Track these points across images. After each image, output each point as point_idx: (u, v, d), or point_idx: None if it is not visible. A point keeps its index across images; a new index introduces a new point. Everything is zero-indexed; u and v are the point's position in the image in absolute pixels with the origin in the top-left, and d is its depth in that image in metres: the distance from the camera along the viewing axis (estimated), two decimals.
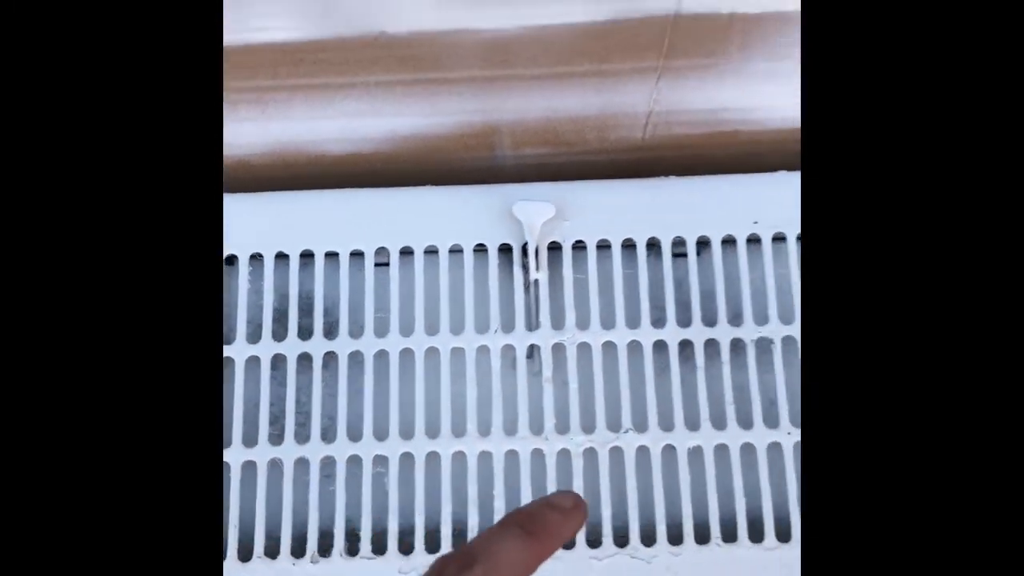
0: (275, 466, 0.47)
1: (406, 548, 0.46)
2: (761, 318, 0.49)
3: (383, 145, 0.53)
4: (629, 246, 0.51)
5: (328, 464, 0.47)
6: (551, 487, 0.47)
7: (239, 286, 0.50)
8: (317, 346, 0.49)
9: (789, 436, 0.47)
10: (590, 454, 0.47)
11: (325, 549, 0.46)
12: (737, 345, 0.49)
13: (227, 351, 0.49)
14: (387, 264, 0.50)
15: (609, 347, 0.49)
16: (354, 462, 0.47)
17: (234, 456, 0.47)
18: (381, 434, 0.48)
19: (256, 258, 0.50)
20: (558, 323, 0.49)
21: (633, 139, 0.53)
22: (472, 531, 0.46)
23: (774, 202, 0.50)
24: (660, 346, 0.49)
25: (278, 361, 0.49)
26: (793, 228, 0.50)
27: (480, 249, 0.51)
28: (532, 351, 0.49)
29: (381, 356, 0.49)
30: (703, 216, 0.50)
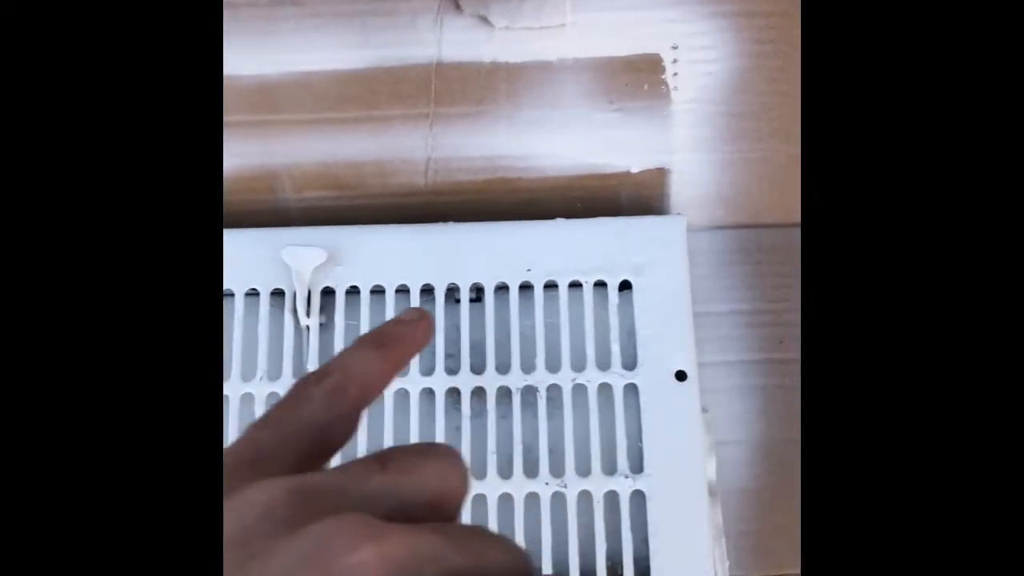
0: None
1: None
2: (528, 367, 0.49)
3: None
4: (403, 291, 0.50)
5: None
6: None
7: None
8: None
9: (547, 486, 0.47)
10: None
11: None
12: (504, 393, 0.49)
13: None
14: None
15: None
16: None
17: None
18: None
19: None
20: None
21: (415, 184, 0.53)
22: None
23: (548, 249, 0.50)
24: (428, 394, 0.49)
25: None
26: (565, 276, 0.50)
27: (252, 293, 0.50)
28: None
29: None
30: (477, 263, 0.50)
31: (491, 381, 0.49)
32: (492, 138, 0.51)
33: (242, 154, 0.51)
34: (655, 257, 0.51)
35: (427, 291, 0.51)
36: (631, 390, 0.48)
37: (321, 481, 0.21)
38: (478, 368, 0.49)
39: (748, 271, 0.53)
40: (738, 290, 0.53)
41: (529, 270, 0.50)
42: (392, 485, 0.22)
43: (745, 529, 0.50)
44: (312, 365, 0.49)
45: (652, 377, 0.49)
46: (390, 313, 0.50)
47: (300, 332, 0.49)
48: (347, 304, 0.50)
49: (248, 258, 0.50)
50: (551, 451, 0.48)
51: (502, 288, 0.51)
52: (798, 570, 0.49)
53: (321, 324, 0.50)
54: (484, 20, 0.46)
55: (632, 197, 0.54)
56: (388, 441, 0.47)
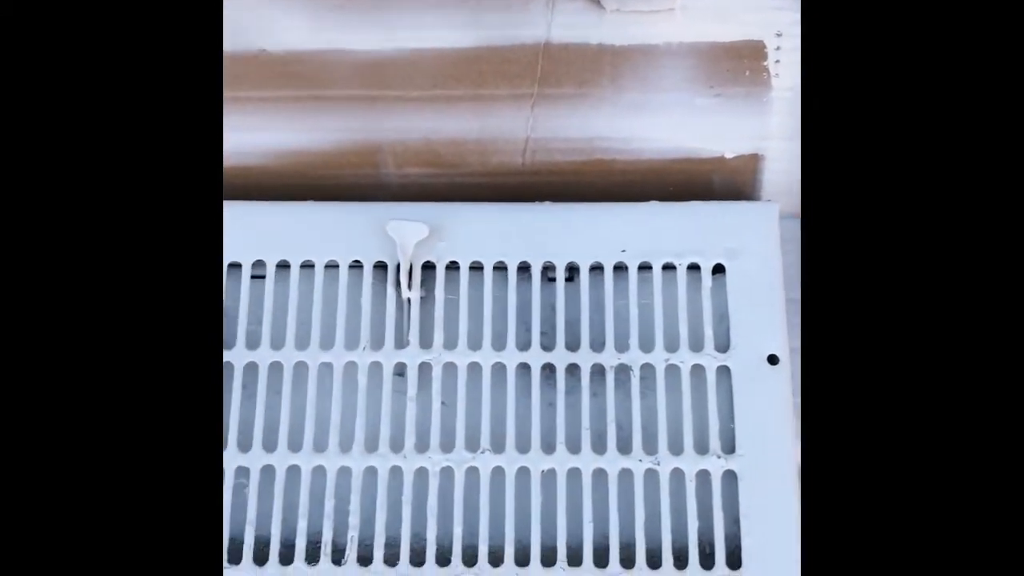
0: None
1: (260, 558, 0.47)
2: (622, 345, 0.50)
3: (268, 159, 0.54)
4: (501, 268, 0.52)
5: None
6: (407, 505, 0.48)
7: None
8: None
9: (640, 463, 0.48)
10: (447, 473, 0.48)
11: None
12: (597, 371, 0.50)
13: None
14: (263, 277, 0.51)
15: (474, 368, 0.50)
16: None
17: None
18: (245, 446, 0.49)
19: None
20: (426, 342, 0.50)
21: (513, 164, 0.54)
22: (325, 546, 0.47)
23: (643, 232, 0.51)
24: (523, 368, 0.50)
25: None
26: (659, 258, 0.51)
27: (356, 265, 0.52)
28: (400, 369, 0.50)
29: (251, 368, 0.50)
30: (574, 242, 0.51)
31: (585, 359, 0.50)
32: (592, 120, 0.52)
33: (349, 128, 0.52)
34: (747, 242, 0.51)
35: (523, 269, 0.52)
36: (723, 372, 0.49)
37: None
38: (572, 345, 0.50)
39: None
40: None
41: (624, 251, 0.51)
42: None
43: None
44: (413, 337, 0.50)
45: (744, 360, 0.49)
46: (488, 289, 0.51)
47: (401, 304, 0.51)
48: (447, 279, 0.51)
49: (352, 231, 0.52)
50: (644, 429, 0.49)
51: (596, 268, 0.52)
52: None
53: (421, 297, 0.51)
54: (595, 3, 0.47)
55: (724, 182, 0.54)
56: (486, 413, 0.49)
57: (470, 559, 0.47)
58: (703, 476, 0.48)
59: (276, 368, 0.50)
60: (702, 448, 0.48)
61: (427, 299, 0.51)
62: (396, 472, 0.48)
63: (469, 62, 0.49)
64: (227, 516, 0.47)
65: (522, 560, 0.47)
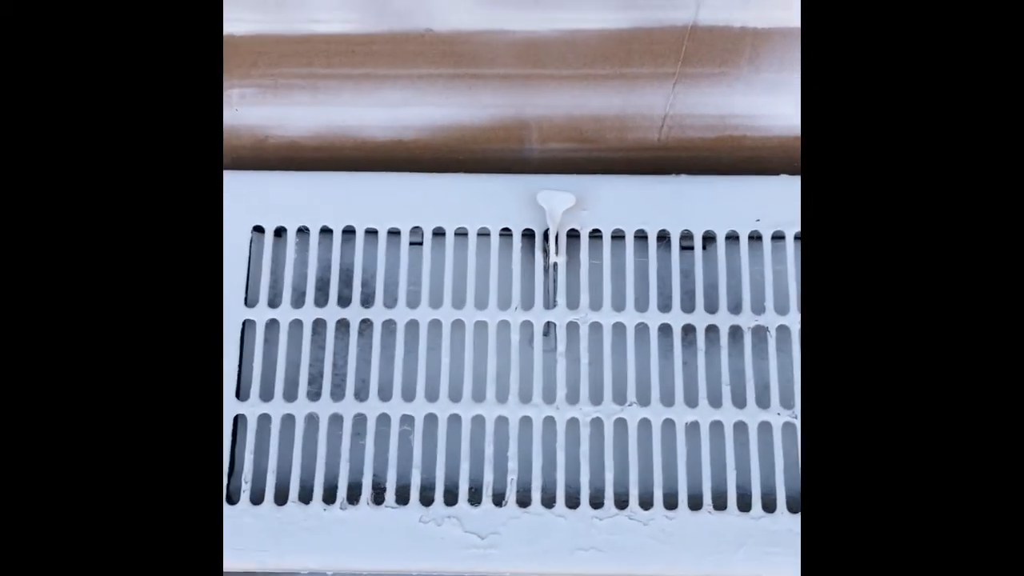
0: (312, 420, 0.52)
1: (427, 500, 0.51)
2: (759, 308, 0.54)
3: (422, 133, 0.58)
4: (641, 237, 0.55)
5: (359, 421, 0.52)
6: (560, 452, 0.51)
7: (286, 256, 0.55)
8: (354, 314, 0.54)
9: (779, 416, 0.52)
10: (596, 424, 0.52)
11: (353, 497, 0.51)
12: (735, 332, 0.53)
13: (272, 314, 0.54)
14: (421, 243, 0.55)
15: (619, 327, 0.54)
16: (383, 420, 0.52)
17: (275, 410, 0.52)
18: (408, 396, 0.52)
19: (303, 231, 0.55)
20: (573, 304, 0.54)
21: (649, 140, 0.58)
22: (486, 488, 0.51)
23: (775, 203, 0.55)
24: (665, 329, 0.54)
25: (319, 326, 0.54)
26: (791, 227, 0.54)
27: (505, 233, 0.55)
28: (548, 328, 0.54)
29: (412, 326, 0.54)
30: (710, 213, 0.55)
31: (724, 320, 0.53)
32: (727, 98, 0.55)
33: (500, 105, 0.56)
34: None
35: (662, 237, 0.55)
36: None
37: None
38: (711, 308, 0.54)
39: None
40: None
41: (758, 220, 0.55)
42: None
43: None
44: (561, 298, 0.54)
45: None
46: (630, 255, 0.55)
47: (548, 268, 0.55)
48: (591, 246, 0.55)
49: (502, 201, 0.55)
50: (780, 385, 0.52)
51: (732, 237, 0.55)
52: None
53: (566, 262, 0.55)
54: None
55: None
56: (631, 369, 0.52)
57: (621, 502, 0.51)
58: None
59: (435, 326, 0.54)
60: None
61: (572, 264, 0.55)
62: (549, 422, 0.52)
63: (620, 42, 0.52)
64: (393, 460, 0.51)
65: (671, 503, 0.50)
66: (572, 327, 0.54)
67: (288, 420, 0.52)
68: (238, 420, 0.52)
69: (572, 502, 0.51)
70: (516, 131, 0.57)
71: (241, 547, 0.50)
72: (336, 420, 0.52)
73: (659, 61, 0.53)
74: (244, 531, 0.50)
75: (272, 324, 0.54)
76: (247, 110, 0.56)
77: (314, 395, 0.53)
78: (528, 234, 0.55)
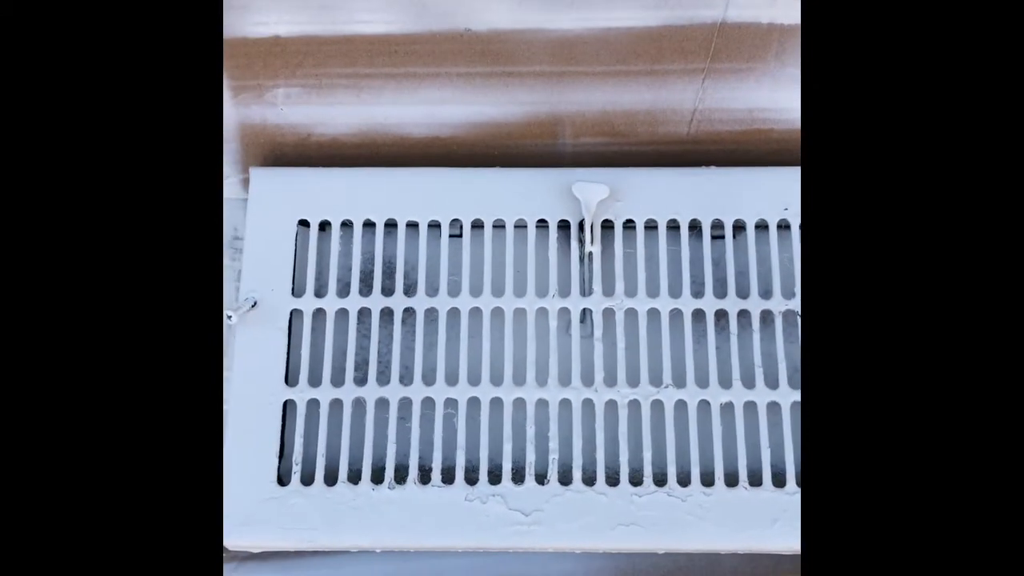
0: (359, 405, 0.54)
1: (471, 480, 0.53)
2: (788, 293, 0.56)
3: (460, 130, 0.60)
4: (673, 227, 0.57)
5: (405, 405, 0.54)
6: (599, 432, 0.53)
7: (331, 249, 0.57)
8: (398, 303, 0.56)
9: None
10: (634, 405, 0.54)
11: (401, 478, 0.53)
12: (766, 316, 0.55)
13: (319, 304, 0.56)
14: (460, 235, 0.57)
15: (653, 313, 0.55)
16: (427, 404, 0.54)
17: (323, 395, 0.54)
18: (452, 380, 0.54)
19: (346, 225, 0.57)
20: (608, 291, 0.56)
21: (679, 133, 0.60)
22: (529, 467, 0.53)
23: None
24: (698, 314, 0.56)
25: (363, 315, 0.56)
26: None
27: (542, 224, 0.57)
28: (585, 314, 0.56)
29: (453, 313, 0.56)
30: (740, 203, 0.57)
31: (755, 305, 0.55)
32: (755, 92, 0.57)
33: (535, 102, 0.58)
34: None
35: (693, 227, 0.57)
36: None
37: None
38: (743, 293, 0.56)
39: None
40: None
41: (786, 209, 0.57)
42: None
43: None
44: (597, 285, 0.56)
45: None
46: (663, 244, 0.56)
47: (583, 257, 0.57)
48: (624, 235, 0.57)
49: (537, 193, 0.58)
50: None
51: (761, 226, 0.57)
52: None
53: (601, 251, 0.57)
54: None
55: None
56: (666, 353, 0.54)
57: (660, 480, 0.52)
58: None
59: (475, 313, 0.56)
60: None
61: (606, 253, 0.57)
62: (588, 404, 0.54)
63: (651, 40, 0.55)
64: (439, 442, 0.53)
65: (708, 480, 0.52)
66: (608, 313, 0.56)
67: (336, 405, 0.54)
68: (287, 405, 0.54)
69: (612, 480, 0.53)
70: (550, 126, 0.59)
71: (292, 527, 0.52)
72: (382, 404, 0.54)
73: (689, 58, 0.56)
74: (295, 511, 0.52)
75: (319, 313, 0.56)
76: (292, 109, 0.58)
77: (360, 380, 0.55)
78: (564, 225, 0.57)
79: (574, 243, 0.57)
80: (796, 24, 0.54)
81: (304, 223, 0.57)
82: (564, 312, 0.56)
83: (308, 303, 0.56)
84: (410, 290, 0.56)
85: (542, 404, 0.54)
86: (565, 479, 0.53)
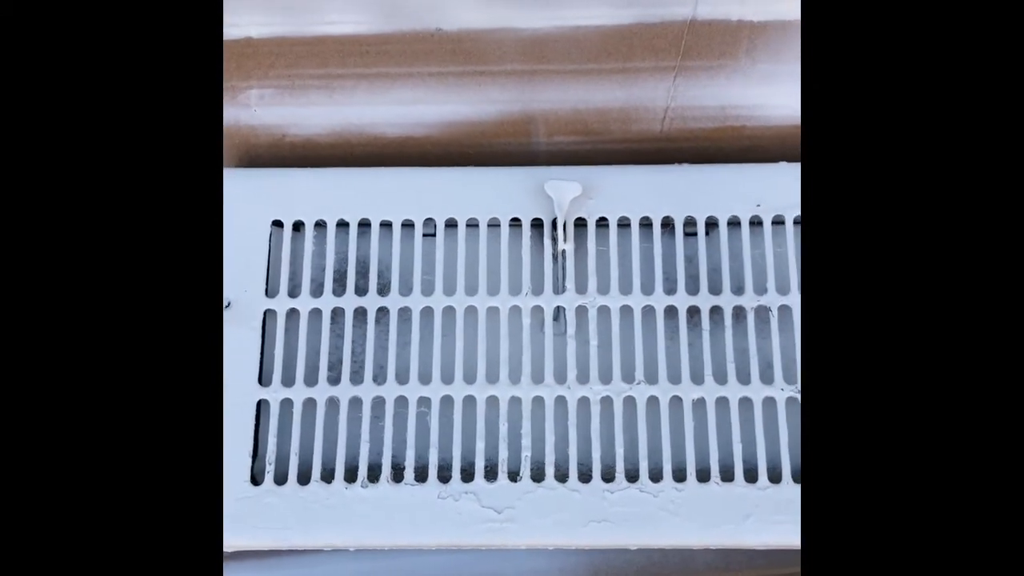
0: (332, 404, 0.54)
1: (444, 477, 0.53)
2: (760, 289, 0.56)
3: (433, 129, 0.60)
4: (646, 224, 0.57)
5: (378, 404, 0.54)
6: (572, 429, 0.53)
7: (305, 249, 0.57)
8: (371, 302, 0.56)
9: (782, 392, 0.54)
10: (606, 402, 0.54)
11: (374, 477, 0.53)
12: (739, 312, 0.55)
13: (292, 304, 0.56)
14: (433, 234, 0.57)
15: (626, 310, 0.56)
16: (401, 403, 0.54)
17: (296, 394, 0.54)
18: (425, 379, 0.54)
19: (320, 225, 0.58)
20: (581, 288, 0.56)
21: (652, 131, 0.60)
22: (502, 464, 0.53)
23: (775, 189, 0.57)
24: (671, 311, 0.56)
25: (337, 315, 0.56)
26: (791, 212, 0.57)
27: (515, 223, 0.58)
28: (558, 312, 0.56)
29: (427, 312, 0.56)
30: (712, 200, 0.57)
31: (728, 301, 0.55)
32: (727, 89, 0.58)
33: (508, 101, 0.58)
34: None
35: (666, 224, 0.57)
36: None
37: None
38: (715, 290, 0.56)
39: None
40: None
41: (759, 206, 0.57)
42: None
43: None
44: (570, 283, 0.56)
45: None
46: (635, 242, 0.57)
47: (556, 256, 0.57)
48: (597, 233, 0.57)
49: (510, 192, 0.58)
50: (783, 363, 0.54)
51: (734, 223, 0.57)
52: None
53: (574, 249, 0.57)
54: None
55: None
56: (639, 350, 0.54)
57: (632, 476, 0.53)
58: None
59: (449, 312, 0.56)
60: None
61: (579, 251, 0.57)
62: (561, 401, 0.54)
63: (622, 38, 0.55)
64: (412, 440, 0.53)
65: (680, 476, 0.52)
66: (581, 311, 0.56)
67: (309, 404, 0.54)
68: (261, 405, 0.54)
69: (584, 477, 0.53)
70: (523, 125, 0.60)
71: (266, 526, 0.52)
72: (356, 403, 0.54)
73: (660, 55, 0.56)
74: (268, 511, 0.52)
75: (292, 313, 0.56)
76: (265, 110, 0.58)
77: (334, 380, 0.55)
78: (537, 223, 0.57)
79: (547, 241, 0.57)
80: (766, 21, 0.54)
81: (278, 224, 0.58)
82: (537, 310, 0.56)
83: (282, 303, 0.56)
84: (384, 290, 0.57)
85: (515, 402, 0.54)
86: (538, 476, 0.53)
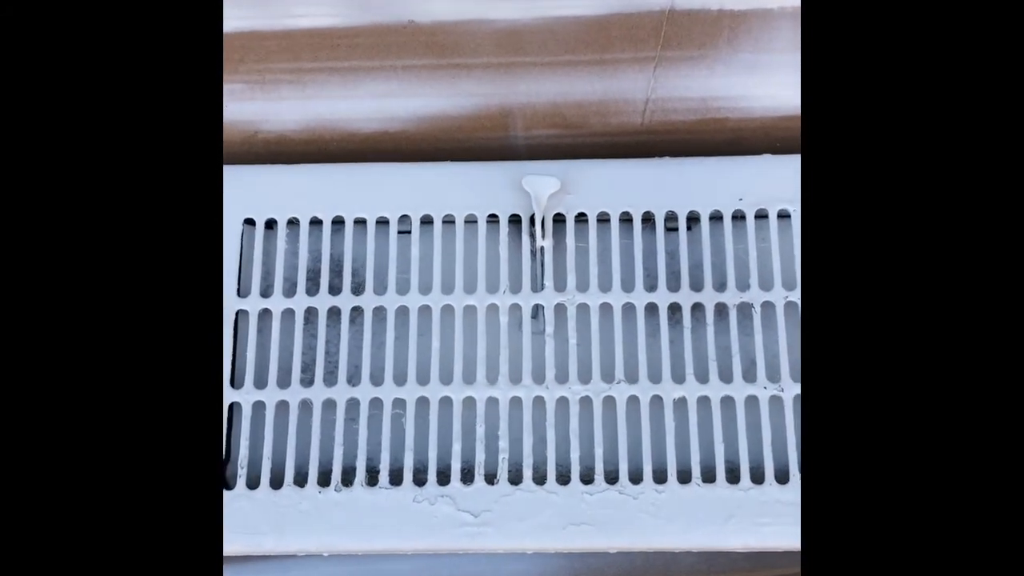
0: (305, 406, 0.53)
1: (420, 481, 0.52)
2: (743, 285, 0.54)
3: (408, 124, 0.59)
4: (626, 219, 0.56)
5: (352, 406, 0.53)
6: (550, 430, 0.52)
7: (277, 247, 0.56)
8: (345, 302, 0.55)
9: (765, 390, 0.52)
10: (586, 402, 0.53)
11: (348, 480, 0.52)
12: (721, 309, 0.54)
13: (264, 304, 0.55)
14: (409, 231, 0.56)
15: (606, 308, 0.54)
16: (375, 404, 0.53)
17: (269, 397, 0.53)
18: (400, 380, 0.53)
19: (292, 223, 0.56)
20: (560, 286, 0.55)
21: (633, 124, 0.59)
22: (479, 467, 0.52)
23: (758, 182, 0.56)
24: (651, 308, 0.54)
25: (310, 315, 0.55)
26: (775, 205, 0.55)
27: (492, 219, 0.56)
28: (536, 310, 0.55)
29: (402, 312, 0.55)
30: (693, 194, 0.56)
31: (710, 298, 0.54)
32: (708, 80, 0.56)
33: (484, 94, 0.57)
34: None
35: (647, 219, 0.56)
36: None
37: None
38: (697, 286, 0.55)
39: None
40: None
41: (741, 199, 0.56)
42: None
43: None
44: (548, 281, 0.55)
45: None
46: (615, 238, 0.55)
47: (535, 252, 0.55)
48: (576, 229, 0.56)
49: (487, 187, 0.56)
50: (767, 360, 0.53)
51: (716, 217, 0.56)
52: None
53: (553, 245, 0.56)
54: None
55: None
56: (619, 348, 0.53)
57: (612, 478, 0.51)
58: None
59: (425, 311, 0.55)
60: None
61: (558, 248, 0.56)
62: (539, 401, 0.53)
63: (599, 28, 0.53)
64: (387, 443, 0.52)
65: (660, 478, 0.51)
66: (560, 309, 0.55)
67: (282, 406, 0.53)
68: (233, 408, 0.53)
69: (563, 479, 0.51)
70: (500, 119, 0.58)
71: (238, 531, 0.51)
72: (330, 405, 0.53)
73: (639, 46, 0.54)
74: (241, 515, 0.51)
75: (265, 314, 0.55)
76: (236, 106, 0.57)
77: (307, 382, 0.54)
78: (515, 219, 0.56)
79: (525, 238, 0.56)
80: (747, 9, 0.53)
81: (250, 222, 0.56)
82: (515, 308, 0.55)
83: (254, 303, 0.55)
84: (358, 289, 0.55)
85: (492, 402, 0.53)
86: (515, 478, 0.52)
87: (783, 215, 0.56)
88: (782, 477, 0.51)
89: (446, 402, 0.53)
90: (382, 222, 0.56)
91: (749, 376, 0.53)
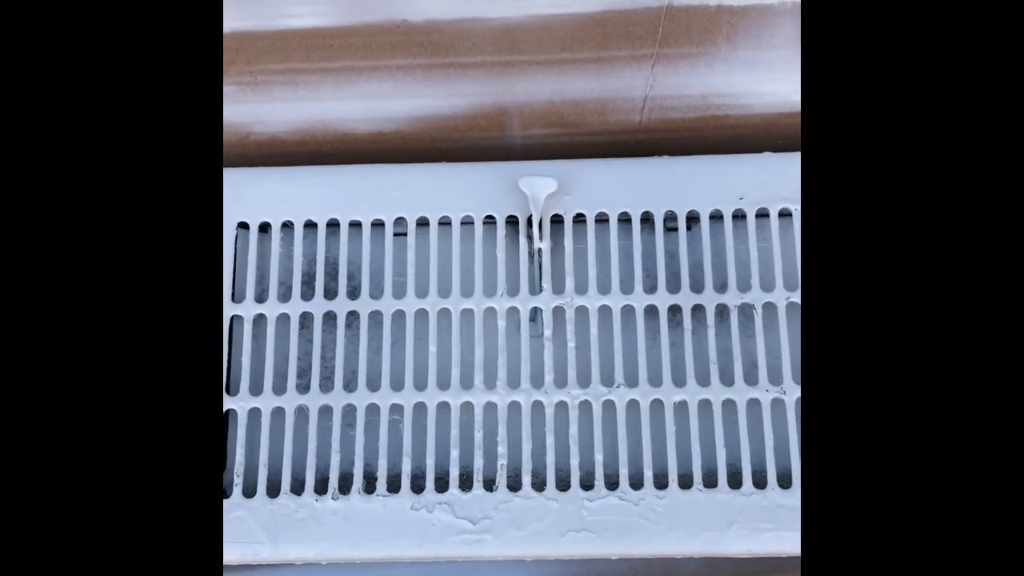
0: (302, 413, 0.52)
1: (418, 488, 0.51)
2: (744, 286, 0.54)
3: (403, 124, 0.58)
4: (625, 220, 0.55)
5: (349, 412, 0.52)
6: (549, 436, 0.51)
7: (271, 251, 0.55)
8: (341, 306, 0.54)
9: (767, 393, 0.52)
10: (585, 406, 0.52)
11: (345, 488, 0.51)
12: (722, 311, 0.53)
13: (259, 309, 0.54)
14: (405, 233, 0.55)
15: (605, 310, 0.54)
16: (372, 410, 0.52)
17: (265, 404, 0.52)
18: (397, 385, 0.53)
19: (287, 226, 0.56)
20: (559, 288, 0.54)
21: (631, 122, 0.58)
22: (477, 473, 0.51)
23: (758, 181, 0.55)
24: (651, 310, 0.54)
25: (306, 319, 0.54)
26: (776, 204, 0.54)
27: (489, 220, 0.55)
28: (535, 313, 0.54)
29: (398, 316, 0.54)
30: (693, 193, 0.55)
31: (710, 299, 0.53)
32: (707, 77, 0.55)
33: (480, 93, 0.56)
34: None
35: (646, 219, 0.55)
36: None
37: None
38: (697, 288, 0.54)
39: None
40: None
41: (741, 199, 0.55)
42: None
43: None
44: (546, 283, 0.54)
45: None
46: (614, 238, 0.54)
47: (532, 254, 0.55)
48: (575, 230, 0.55)
49: (484, 188, 0.56)
50: (768, 362, 0.52)
51: (716, 217, 0.55)
52: None
53: (551, 247, 0.55)
54: None
55: None
56: (618, 351, 0.52)
57: (612, 484, 0.51)
58: None
59: (421, 315, 0.54)
60: None
61: (556, 249, 0.55)
62: (538, 406, 0.52)
63: (596, 25, 0.52)
64: (384, 449, 0.52)
65: (661, 483, 0.50)
66: (558, 311, 0.54)
67: (278, 413, 0.52)
68: (228, 415, 0.53)
69: (563, 485, 0.51)
70: (497, 119, 0.57)
71: (235, 540, 0.50)
72: (326, 412, 0.52)
73: (636, 43, 0.53)
74: (237, 524, 0.51)
75: (259, 319, 0.54)
76: (228, 108, 0.56)
77: (303, 388, 0.53)
78: (512, 221, 0.55)
79: (523, 240, 0.55)
80: (746, 5, 0.52)
81: (243, 225, 0.56)
82: (513, 311, 0.54)
83: (248, 309, 0.54)
84: (354, 293, 0.55)
85: (490, 408, 0.52)
86: (514, 485, 0.51)
87: (784, 214, 0.55)
88: (785, 481, 0.50)
89: (444, 408, 0.52)
90: (377, 224, 0.56)
91: (751, 379, 0.52)
